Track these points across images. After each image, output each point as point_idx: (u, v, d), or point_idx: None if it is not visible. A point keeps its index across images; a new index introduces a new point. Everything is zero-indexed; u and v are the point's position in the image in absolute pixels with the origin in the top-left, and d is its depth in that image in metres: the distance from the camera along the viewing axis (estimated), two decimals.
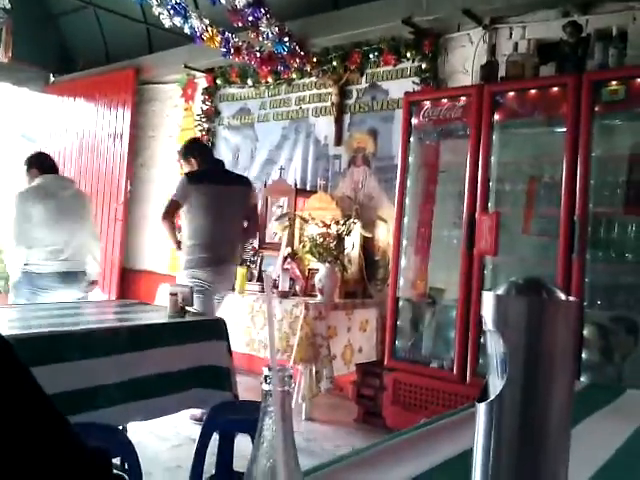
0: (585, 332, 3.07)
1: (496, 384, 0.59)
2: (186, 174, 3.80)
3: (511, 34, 4.05)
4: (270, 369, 0.57)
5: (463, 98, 3.65)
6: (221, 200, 3.68)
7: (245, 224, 3.89)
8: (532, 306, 0.57)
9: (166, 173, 6.30)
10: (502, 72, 3.67)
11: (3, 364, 0.77)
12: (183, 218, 3.77)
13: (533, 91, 3.43)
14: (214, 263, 3.65)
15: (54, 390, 1.99)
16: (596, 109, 3.13)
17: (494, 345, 0.59)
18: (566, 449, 0.59)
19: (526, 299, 0.58)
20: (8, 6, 4.44)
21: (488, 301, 0.59)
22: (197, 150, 3.92)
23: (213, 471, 2.22)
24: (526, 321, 0.57)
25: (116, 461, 2.32)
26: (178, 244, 3.79)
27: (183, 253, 3.74)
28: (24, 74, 6.91)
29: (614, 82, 3.11)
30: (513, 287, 0.59)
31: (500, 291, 0.59)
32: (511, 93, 3.52)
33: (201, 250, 3.64)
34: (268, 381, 0.57)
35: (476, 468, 0.60)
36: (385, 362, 3.87)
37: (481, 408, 0.60)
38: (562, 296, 0.58)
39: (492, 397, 0.59)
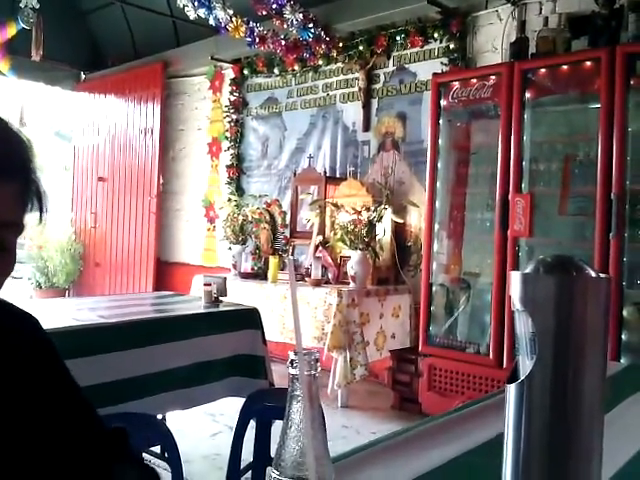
0: (625, 312, 3.00)
1: (526, 365, 0.58)
2: None
3: (541, 9, 3.94)
4: (296, 353, 0.56)
5: (493, 77, 3.57)
6: None
7: None
8: (561, 284, 0.55)
9: (197, 166, 6.36)
10: (532, 49, 3.57)
11: (46, 359, 0.85)
12: None
13: (565, 67, 3.34)
14: None
15: (94, 381, 2.04)
16: (631, 83, 3.02)
17: (523, 325, 0.58)
18: (600, 430, 0.57)
19: (554, 277, 0.56)
20: (37, 6, 4.52)
21: (516, 280, 0.58)
22: None
23: (251, 459, 2.26)
24: (555, 300, 0.55)
25: (156, 449, 2.37)
26: None
27: None
28: (55, 73, 7.04)
29: None
30: (541, 265, 0.57)
31: (528, 269, 0.58)
32: (542, 70, 3.43)
33: None
34: (294, 365, 0.57)
35: (507, 450, 0.59)
36: (420, 348, 3.84)
37: (511, 389, 0.59)
38: (592, 273, 0.56)
39: (522, 378, 0.58)
